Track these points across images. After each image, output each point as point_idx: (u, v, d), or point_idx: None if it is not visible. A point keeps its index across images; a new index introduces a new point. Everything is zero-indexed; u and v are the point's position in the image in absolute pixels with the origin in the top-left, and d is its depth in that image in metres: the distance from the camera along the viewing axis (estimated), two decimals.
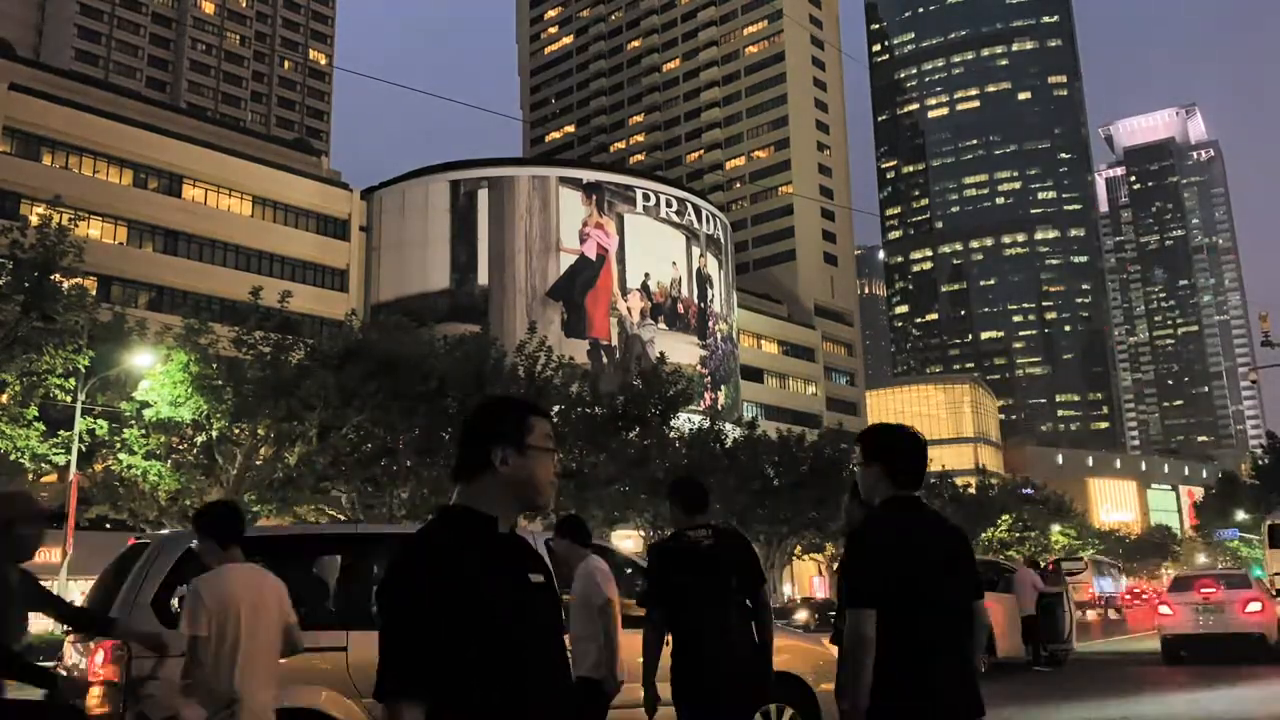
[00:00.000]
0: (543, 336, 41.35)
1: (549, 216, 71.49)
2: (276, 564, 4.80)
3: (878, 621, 3.22)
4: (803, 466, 53.53)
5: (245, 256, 60.40)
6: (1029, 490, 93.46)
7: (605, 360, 67.40)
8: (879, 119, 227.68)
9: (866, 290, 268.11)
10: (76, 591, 38.68)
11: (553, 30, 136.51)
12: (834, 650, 7.56)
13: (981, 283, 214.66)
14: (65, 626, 5.68)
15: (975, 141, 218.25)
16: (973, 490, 79.87)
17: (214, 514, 4.51)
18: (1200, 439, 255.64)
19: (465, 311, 65.59)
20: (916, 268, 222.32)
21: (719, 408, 71.21)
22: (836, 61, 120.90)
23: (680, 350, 69.28)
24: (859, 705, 3.21)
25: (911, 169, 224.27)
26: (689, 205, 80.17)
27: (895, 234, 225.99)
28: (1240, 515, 73.25)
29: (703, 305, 78.61)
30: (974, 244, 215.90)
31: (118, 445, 27.17)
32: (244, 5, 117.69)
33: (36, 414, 25.12)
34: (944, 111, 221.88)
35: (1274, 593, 19.81)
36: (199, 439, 27.98)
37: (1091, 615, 47.66)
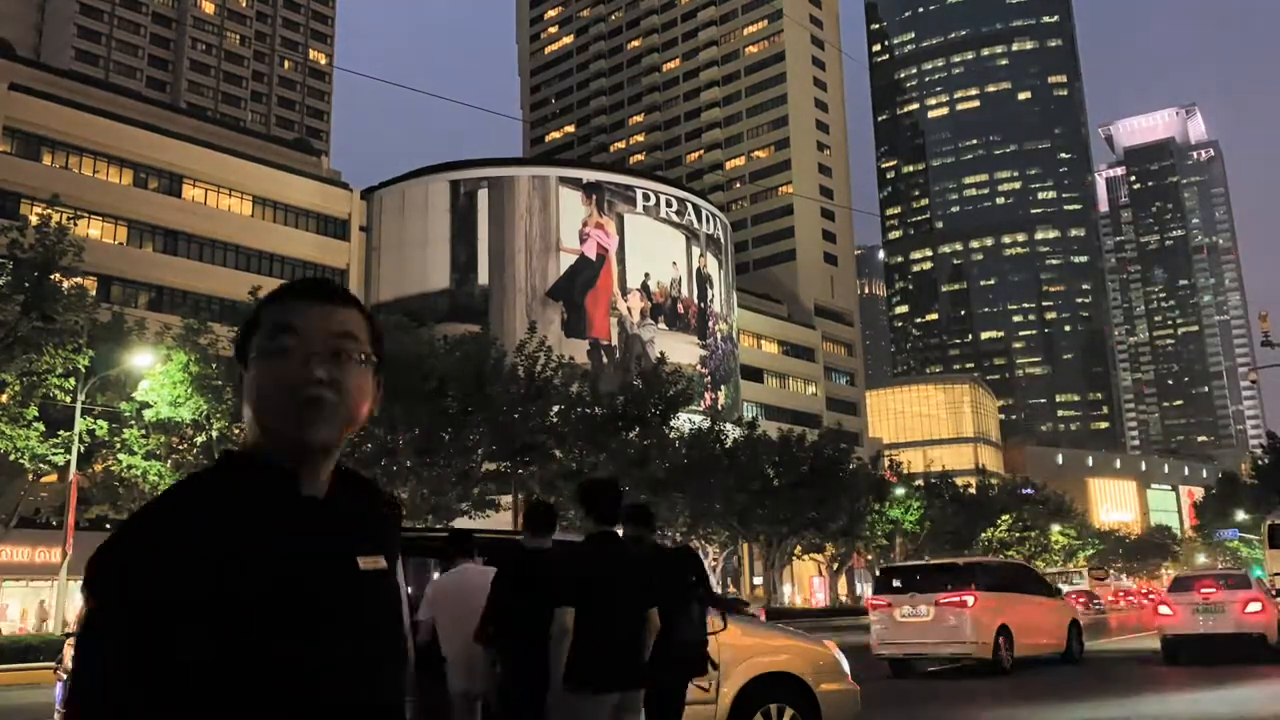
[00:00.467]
0: (543, 336, 41.38)
1: (549, 216, 71.49)
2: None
3: (576, 615, 4.65)
4: (803, 466, 53.58)
5: (245, 256, 60.40)
6: (1029, 490, 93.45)
7: (605, 360, 67.40)
8: (879, 119, 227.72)
9: (866, 290, 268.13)
10: (76, 591, 38.68)
11: (553, 30, 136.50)
12: (833, 650, 7.59)
13: (981, 283, 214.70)
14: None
15: (975, 141, 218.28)
16: (973, 490, 79.89)
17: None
18: (1200, 439, 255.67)
19: (465, 311, 65.58)
20: (916, 268, 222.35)
21: (719, 408, 71.19)
22: (836, 61, 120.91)
23: (680, 350, 69.26)
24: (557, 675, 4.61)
25: (911, 169, 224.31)
26: (689, 205, 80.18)
27: (895, 234, 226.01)
28: (1240, 515, 73.26)
29: (703, 305, 78.61)
30: (974, 244, 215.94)
31: (118, 445, 27.18)
32: (244, 5, 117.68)
33: (36, 414, 25.12)
34: (944, 111, 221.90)
35: (1274, 593, 19.81)
36: (199, 439, 28.00)
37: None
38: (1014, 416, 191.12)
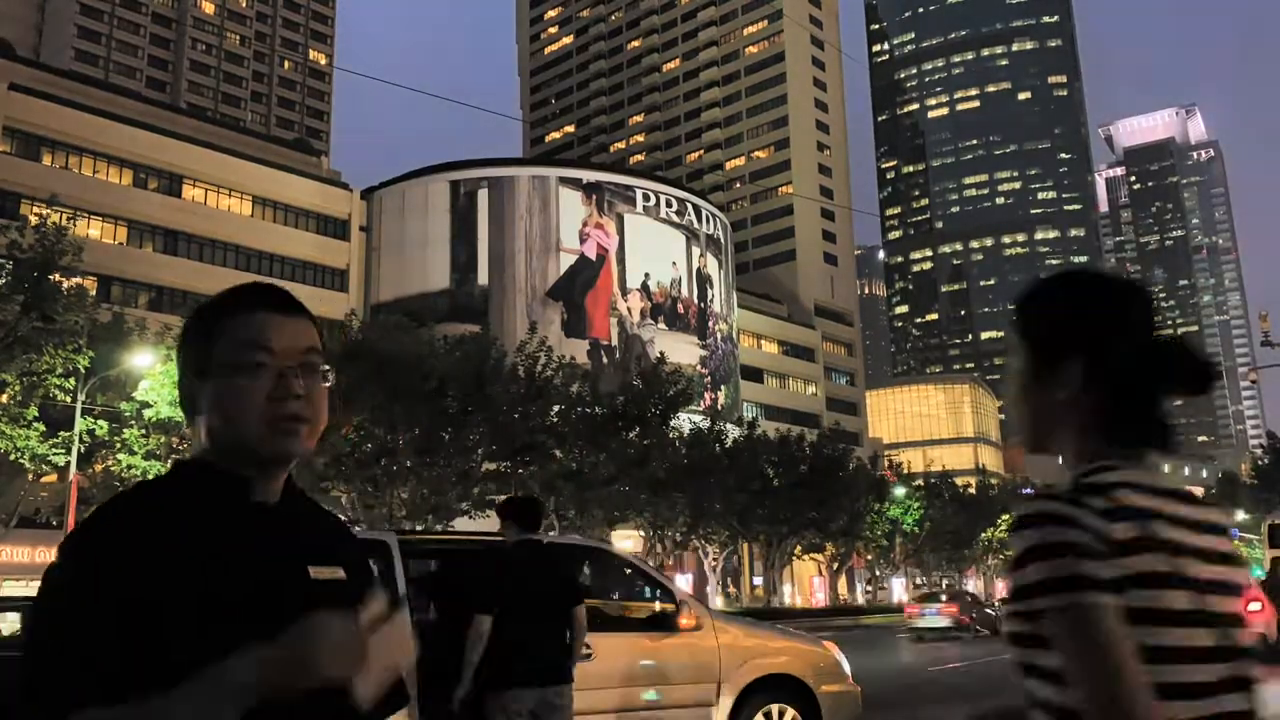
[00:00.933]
0: (543, 336, 41.39)
1: (549, 216, 71.47)
2: None
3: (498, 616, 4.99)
4: (802, 466, 53.61)
5: (245, 256, 60.39)
6: (1029, 490, 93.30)
7: (605, 360, 67.39)
8: (879, 119, 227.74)
9: (866, 290, 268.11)
10: None
11: (553, 30, 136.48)
12: (833, 651, 7.60)
13: (981, 283, 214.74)
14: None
15: (975, 141, 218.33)
16: (973, 490, 79.90)
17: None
18: (1200, 439, 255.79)
19: (465, 311, 65.55)
20: (916, 268, 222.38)
21: (719, 408, 71.17)
22: (836, 61, 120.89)
23: (680, 350, 69.24)
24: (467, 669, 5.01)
25: (911, 169, 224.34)
26: (689, 205, 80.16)
27: (895, 234, 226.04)
28: (1240, 515, 73.27)
29: (703, 305, 78.59)
30: (974, 244, 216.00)
31: (118, 445, 27.18)
32: (244, 5, 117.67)
33: (36, 414, 25.12)
34: (944, 111, 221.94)
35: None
36: None
37: None
38: None
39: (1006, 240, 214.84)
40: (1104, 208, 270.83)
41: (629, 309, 73.30)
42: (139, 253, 56.39)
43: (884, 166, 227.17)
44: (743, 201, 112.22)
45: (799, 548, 58.96)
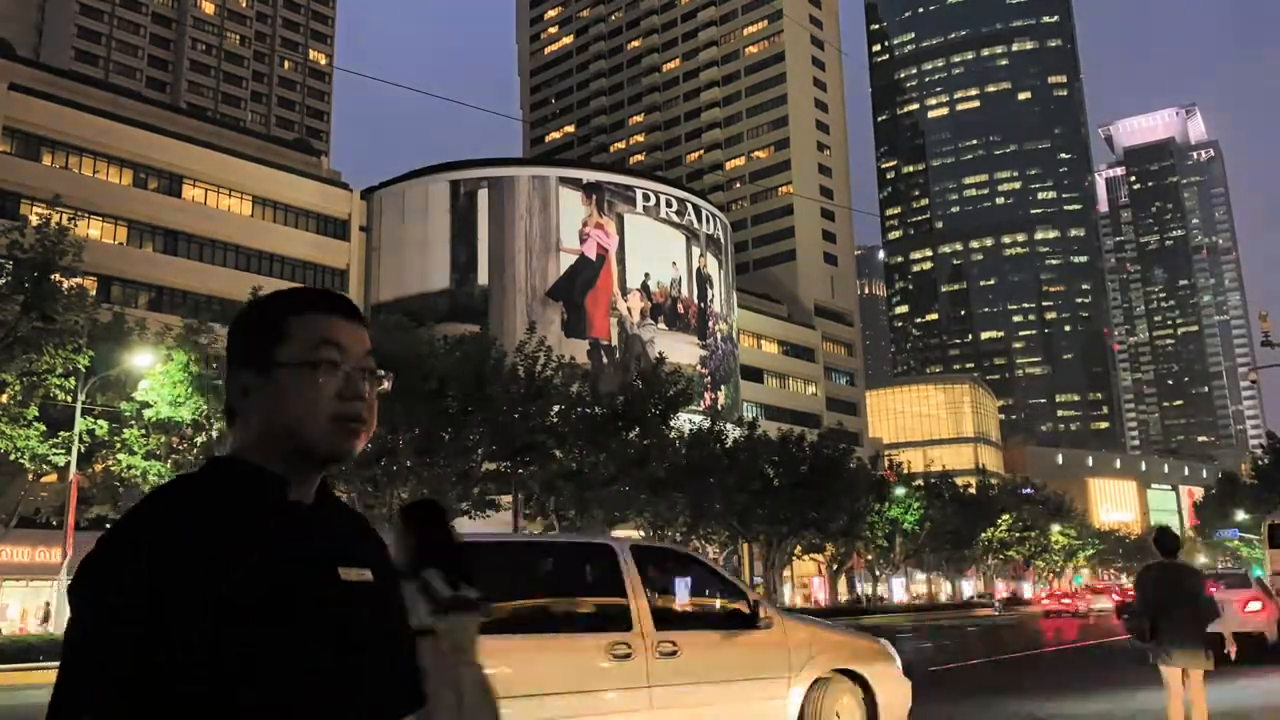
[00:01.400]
0: (542, 336, 41.38)
1: (549, 216, 71.47)
2: None
3: None
4: (803, 466, 53.60)
5: (245, 256, 60.38)
6: (1029, 490, 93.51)
7: (605, 360, 67.38)
8: (879, 119, 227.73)
9: (866, 290, 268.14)
10: None
11: (553, 30, 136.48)
12: (887, 647, 8.15)
13: (981, 283, 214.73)
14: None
15: (975, 141, 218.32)
16: (973, 490, 79.92)
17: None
18: (1200, 439, 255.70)
19: (465, 311, 65.56)
20: (916, 268, 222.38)
21: (719, 408, 71.17)
22: (836, 61, 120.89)
23: (680, 350, 69.25)
24: None
25: (911, 169, 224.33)
26: (689, 205, 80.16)
27: (895, 234, 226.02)
28: (1240, 515, 73.25)
29: (703, 305, 78.59)
30: (974, 244, 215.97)
31: (118, 445, 27.17)
32: (244, 5, 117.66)
33: (36, 414, 25.11)
34: (944, 111, 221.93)
35: (1274, 593, 20.14)
36: (199, 439, 27.98)
37: None
38: (1014, 416, 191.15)
39: (1006, 240, 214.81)
40: (1104, 208, 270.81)
41: (629, 309, 73.30)
42: (139, 253, 56.38)
43: (884, 166, 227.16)
44: (743, 201, 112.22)
45: (799, 548, 58.96)
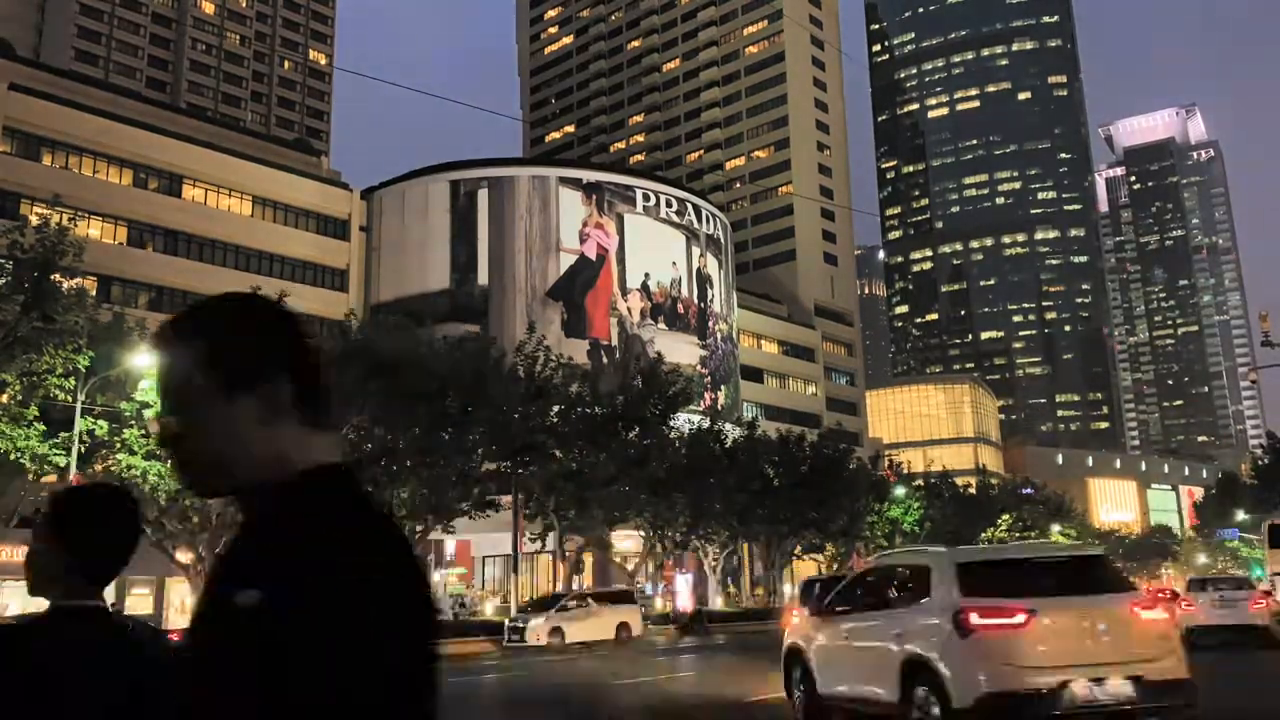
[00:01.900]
0: (542, 336, 41.39)
1: (549, 216, 71.46)
2: None
3: None
4: (802, 466, 53.58)
5: (245, 256, 60.39)
6: (1029, 490, 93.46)
7: (605, 360, 67.36)
8: (879, 119, 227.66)
9: (866, 290, 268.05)
10: None
11: (553, 30, 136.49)
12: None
13: (981, 283, 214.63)
14: None
15: (975, 141, 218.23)
16: (973, 490, 79.86)
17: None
18: (1200, 439, 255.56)
19: (465, 311, 65.55)
20: (916, 268, 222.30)
21: (719, 408, 71.17)
22: (836, 61, 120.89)
23: (680, 350, 69.27)
24: None
25: (911, 169, 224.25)
26: (689, 205, 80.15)
27: (895, 234, 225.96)
28: (1240, 515, 73.27)
29: (703, 305, 78.58)
30: (974, 244, 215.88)
31: (118, 445, 27.16)
32: (244, 5, 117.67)
33: (37, 414, 25.11)
34: (944, 111, 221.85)
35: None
36: None
37: None
38: (1014, 416, 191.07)
39: (1006, 240, 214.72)
40: (1104, 208, 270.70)
41: (629, 309, 73.29)
42: (139, 253, 56.38)
43: (884, 166, 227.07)
44: (743, 201, 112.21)
45: (799, 548, 58.93)
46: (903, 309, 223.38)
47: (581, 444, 40.44)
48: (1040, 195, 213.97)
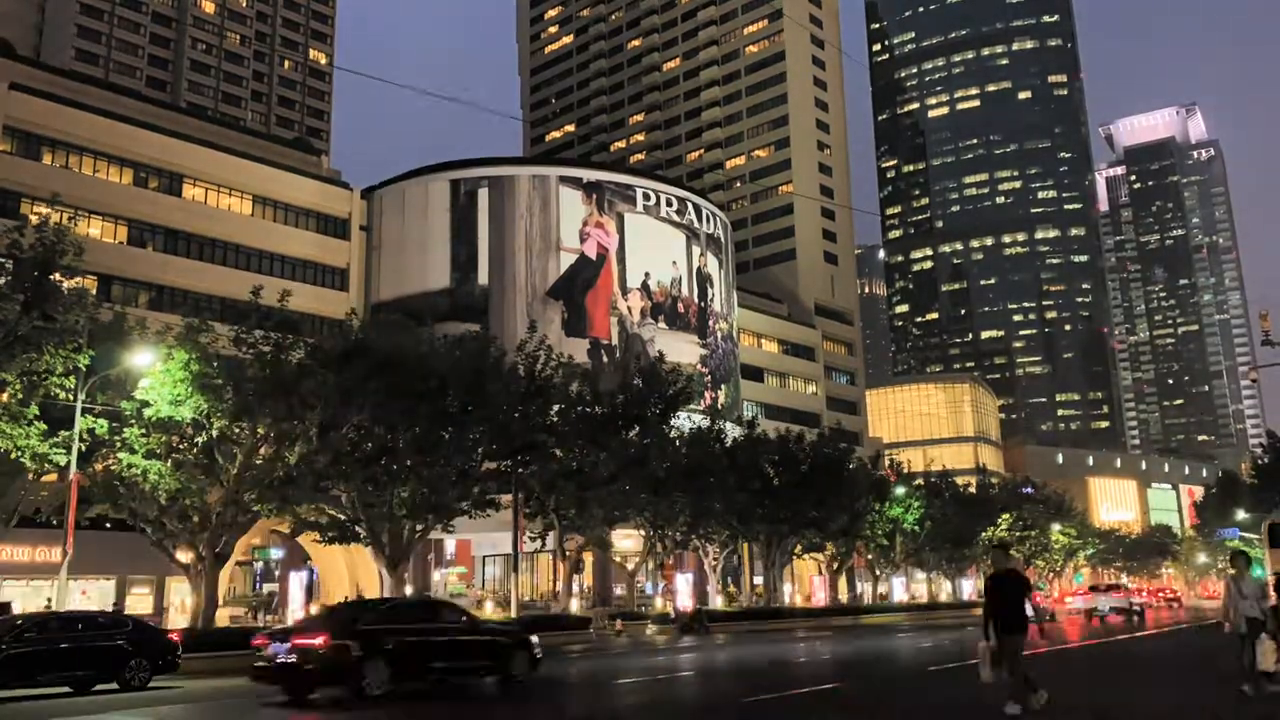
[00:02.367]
0: (543, 336, 41.35)
1: (549, 216, 71.46)
2: None
3: None
4: (802, 466, 53.57)
5: (245, 256, 60.38)
6: (1029, 489, 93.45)
7: (605, 359, 67.34)
8: (879, 119, 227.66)
9: (866, 290, 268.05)
10: (76, 592, 38.60)
11: (553, 30, 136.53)
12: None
13: (982, 282, 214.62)
14: None
15: (975, 141, 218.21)
16: (973, 490, 79.87)
17: None
18: (1200, 438, 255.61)
19: (465, 311, 65.55)
20: (916, 267, 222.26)
21: (719, 407, 71.17)
22: (836, 61, 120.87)
23: (680, 349, 69.23)
24: None
25: (912, 168, 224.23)
26: (689, 204, 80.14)
27: (895, 233, 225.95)
28: (1240, 514, 73.28)
29: (703, 304, 78.58)
30: (974, 243, 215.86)
31: (118, 445, 27.12)
32: (244, 5, 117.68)
33: (37, 413, 25.08)
34: (944, 111, 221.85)
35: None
36: (199, 438, 27.95)
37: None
38: (1014, 416, 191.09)
39: (1007, 239, 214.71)
40: (1104, 207, 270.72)
41: (629, 308, 73.28)
42: (139, 252, 56.37)
43: (884, 166, 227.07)
44: (743, 201, 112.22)
45: (799, 547, 58.92)
46: (903, 308, 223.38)
47: (582, 443, 40.43)
48: (1040, 194, 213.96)
